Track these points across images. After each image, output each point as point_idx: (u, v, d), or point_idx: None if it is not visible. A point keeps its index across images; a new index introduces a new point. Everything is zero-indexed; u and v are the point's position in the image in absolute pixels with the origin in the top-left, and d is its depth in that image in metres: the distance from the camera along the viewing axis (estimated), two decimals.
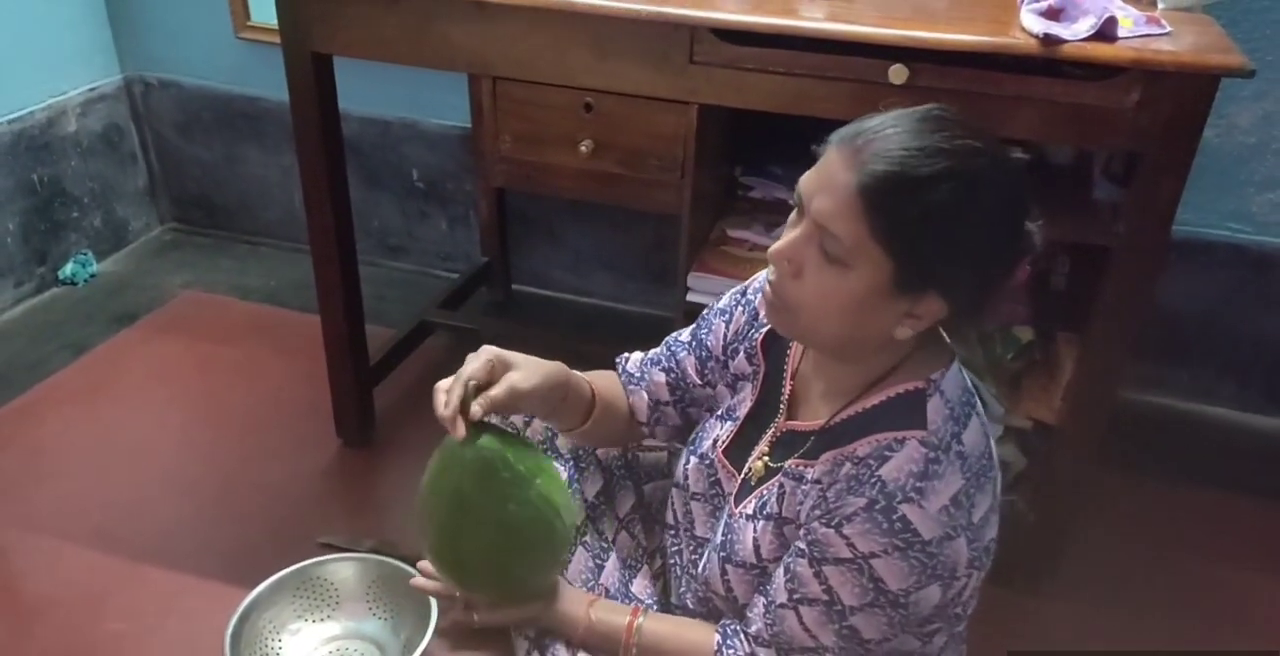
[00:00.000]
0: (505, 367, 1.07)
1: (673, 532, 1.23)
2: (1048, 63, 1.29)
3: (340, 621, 1.51)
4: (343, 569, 1.53)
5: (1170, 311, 2.08)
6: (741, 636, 1.07)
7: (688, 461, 1.20)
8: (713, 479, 1.17)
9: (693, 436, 1.23)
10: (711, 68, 1.40)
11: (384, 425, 2.02)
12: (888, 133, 0.90)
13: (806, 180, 0.93)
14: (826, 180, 0.91)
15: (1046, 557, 1.66)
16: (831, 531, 0.96)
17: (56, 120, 2.42)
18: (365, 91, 2.26)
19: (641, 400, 1.26)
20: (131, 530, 1.77)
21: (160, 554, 1.72)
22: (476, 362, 1.05)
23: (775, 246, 0.95)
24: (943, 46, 1.29)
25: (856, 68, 1.34)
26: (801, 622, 1.01)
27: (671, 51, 1.41)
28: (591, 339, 2.26)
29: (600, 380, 1.25)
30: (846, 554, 0.96)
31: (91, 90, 2.50)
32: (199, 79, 2.54)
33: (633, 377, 1.28)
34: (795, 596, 1.01)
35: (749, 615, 1.07)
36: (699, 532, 1.19)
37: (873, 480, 0.95)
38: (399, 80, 2.28)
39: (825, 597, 0.98)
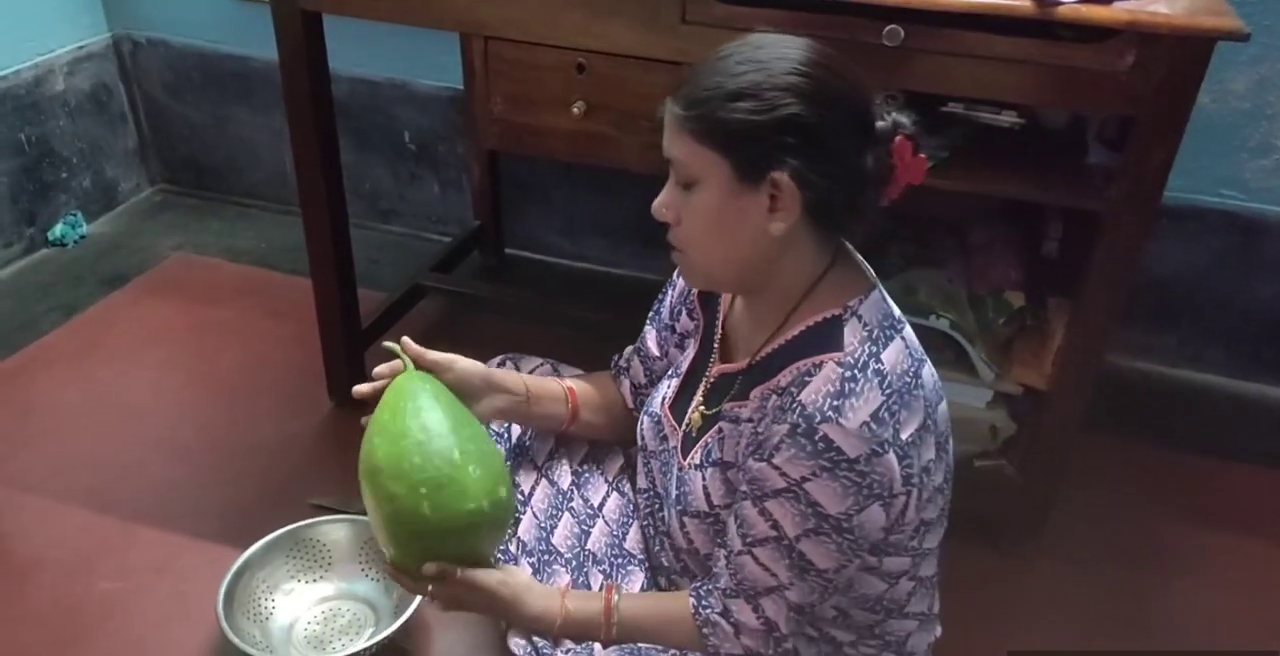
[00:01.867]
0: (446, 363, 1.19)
1: (643, 494, 1.25)
2: (1042, 24, 1.28)
3: (333, 582, 1.53)
4: (335, 530, 1.55)
5: (1160, 277, 2.08)
6: (714, 593, 1.09)
7: (642, 422, 1.24)
8: (661, 435, 1.20)
9: (648, 398, 1.25)
10: (704, 27, 1.39)
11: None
12: (691, 69, 1.01)
13: None
14: (664, 126, 1.01)
15: (1033, 520, 1.68)
16: (764, 464, 0.99)
17: (44, 79, 2.40)
18: (355, 52, 2.24)
19: (626, 388, 1.33)
20: (123, 490, 1.77)
21: (153, 514, 1.72)
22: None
23: (653, 204, 1.04)
24: (938, 7, 1.28)
25: (851, 28, 1.33)
26: (759, 563, 1.03)
27: (663, 10, 1.39)
28: (584, 303, 2.26)
29: (586, 383, 1.33)
30: (781, 483, 0.98)
31: (79, 49, 2.47)
32: (187, 38, 2.51)
33: (622, 369, 1.34)
34: (748, 540, 1.03)
35: (714, 570, 1.09)
36: (659, 490, 1.21)
37: (794, 406, 0.98)
38: (390, 40, 2.26)
39: (773, 533, 1.01)
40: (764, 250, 1.01)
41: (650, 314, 1.30)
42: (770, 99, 0.94)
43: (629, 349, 1.36)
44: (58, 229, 2.48)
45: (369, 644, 1.37)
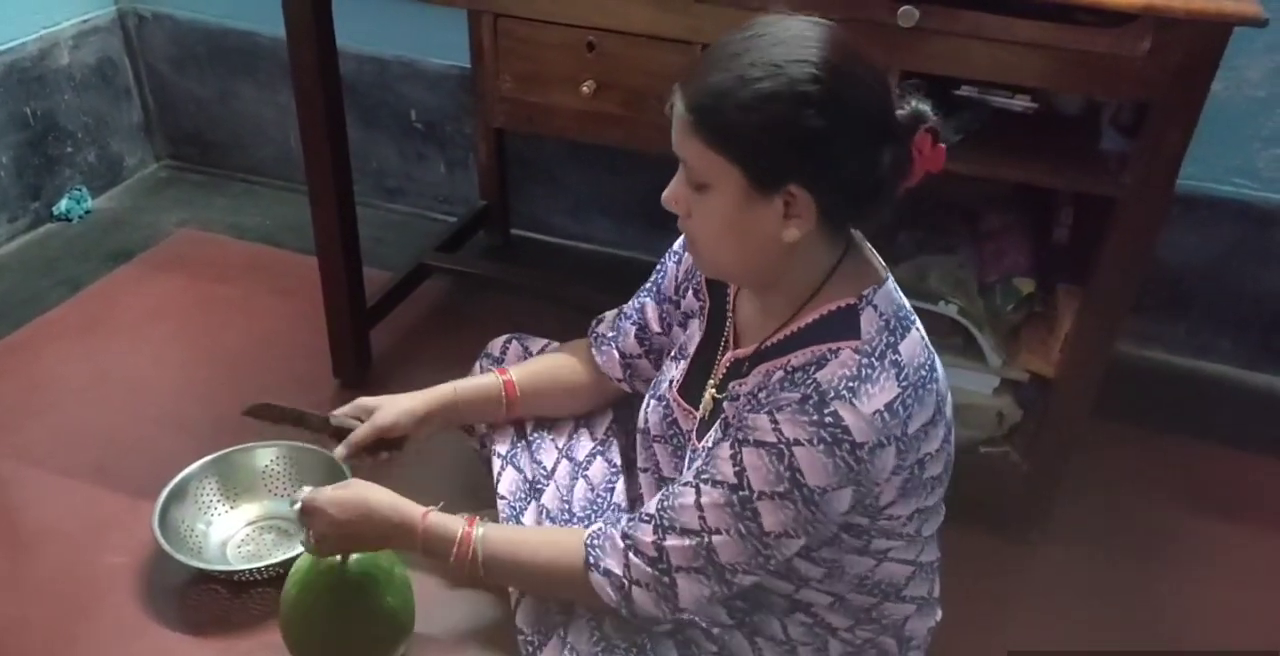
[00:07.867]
0: (369, 412, 1.29)
1: (644, 474, 1.24)
2: (1060, 8, 1.26)
3: (261, 503, 1.67)
4: (264, 455, 1.69)
5: (1171, 266, 2.07)
6: (623, 519, 1.09)
7: (648, 405, 1.23)
8: (670, 419, 1.19)
9: (654, 381, 1.24)
10: (717, 6, 1.38)
11: (380, 366, 2.02)
12: (701, 60, 0.96)
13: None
14: (673, 120, 0.97)
15: (1038, 508, 1.67)
16: (761, 415, 0.97)
17: (49, 52, 2.38)
18: (363, 29, 2.22)
19: (612, 358, 1.31)
20: (129, 465, 1.77)
21: (157, 489, 1.71)
22: (346, 408, 1.31)
23: (663, 195, 1.02)
24: None
25: (865, 7, 1.31)
26: (698, 500, 1.01)
27: None
28: (589, 284, 2.25)
29: (530, 368, 1.35)
30: (770, 437, 0.96)
31: (84, 22, 2.46)
32: (193, 12, 2.49)
33: (604, 337, 1.33)
34: (703, 475, 1.01)
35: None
36: (666, 474, 1.20)
37: (808, 381, 0.97)
38: (397, 17, 2.24)
39: (734, 480, 0.99)
40: (776, 252, 0.99)
41: (647, 285, 1.29)
42: (787, 111, 0.90)
43: (610, 315, 1.34)
44: (63, 203, 2.47)
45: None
